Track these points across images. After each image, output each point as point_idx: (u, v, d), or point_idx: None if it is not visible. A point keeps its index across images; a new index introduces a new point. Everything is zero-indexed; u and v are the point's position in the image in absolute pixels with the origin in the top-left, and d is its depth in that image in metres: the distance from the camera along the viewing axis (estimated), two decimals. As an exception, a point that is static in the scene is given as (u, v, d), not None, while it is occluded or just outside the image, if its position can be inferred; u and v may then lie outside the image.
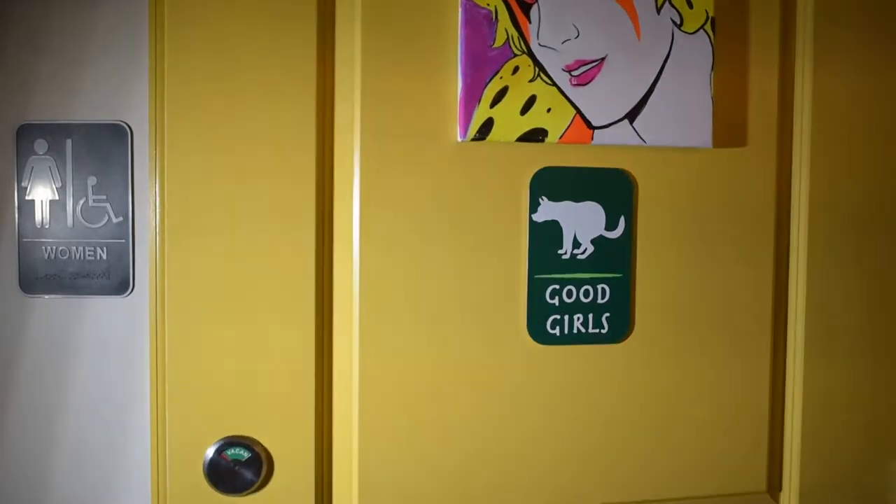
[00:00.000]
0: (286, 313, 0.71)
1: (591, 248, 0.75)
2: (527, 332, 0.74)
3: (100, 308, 0.88)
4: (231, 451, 0.71)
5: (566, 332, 0.75)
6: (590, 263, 0.75)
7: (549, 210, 0.74)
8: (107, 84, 0.87)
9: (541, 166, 0.74)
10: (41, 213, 0.88)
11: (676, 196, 0.77)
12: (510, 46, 0.71)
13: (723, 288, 0.78)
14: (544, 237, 0.74)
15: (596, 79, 0.72)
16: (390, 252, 0.71)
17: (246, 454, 0.71)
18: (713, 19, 0.75)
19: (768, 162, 0.79)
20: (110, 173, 0.88)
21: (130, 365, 0.87)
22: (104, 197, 0.88)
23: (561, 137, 0.72)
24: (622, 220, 0.76)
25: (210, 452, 0.71)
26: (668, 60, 0.74)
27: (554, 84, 0.72)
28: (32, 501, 0.88)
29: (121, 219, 0.88)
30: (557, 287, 0.74)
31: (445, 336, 0.73)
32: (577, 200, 0.75)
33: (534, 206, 0.74)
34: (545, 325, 0.74)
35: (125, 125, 0.87)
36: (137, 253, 0.87)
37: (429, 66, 0.71)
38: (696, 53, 0.74)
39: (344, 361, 0.72)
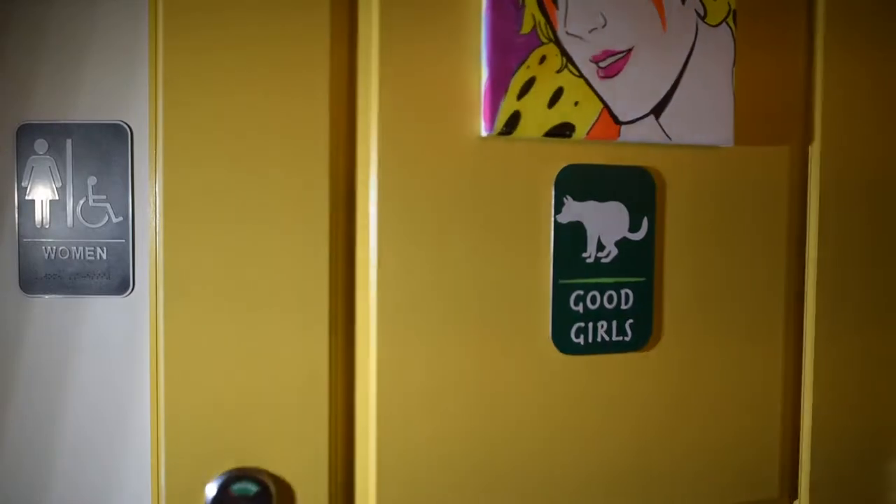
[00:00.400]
0: (297, 320, 0.66)
1: (614, 251, 0.71)
2: (551, 342, 0.70)
3: (100, 308, 0.88)
4: (237, 486, 0.64)
5: (590, 340, 0.71)
6: (613, 267, 0.71)
7: (573, 210, 0.70)
8: (107, 84, 0.87)
9: (564, 164, 0.70)
10: (41, 213, 0.88)
11: (697, 195, 0.75)
12: (537, 34, 0.66)
13: (739, 289, 0.77)
14: (568, 239, 0.70)
15: (623, 71, 0.69)
16: (410, 256, 0.66)
17: (254, 488, 0.63)
18: (735, 12, 0.72)
19: (785, 160, 0.78)
20: (110, 173, 0.88)
21: (130, 365, 0.87)
22: (104, 197, 0.88)
23: (588, 133, 0.68)
24: (645, 221, 0.72)
25: (213, 489, 0.64)
26: (693, 54, 0.71)
27: (581, 76, 0.67)
28: (32, 502, 0.88)
29: (121, 219, 0.88)
30: (581, 293, 0.70)
31: (467, 347, 0.68)
32: (601, 200, 0.71)
33: (558, 207, 0.69)
34: (570, 333, 0.70)
35: (125, 125, 0.87)
36: (137, 253, 0.87)
37: (450, 53, 0.66)
38: (718, 47, 0.72)
39: (360, 372, 0.68)
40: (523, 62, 0.66)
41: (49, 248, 0.88)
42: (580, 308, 0.70)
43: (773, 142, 0.77)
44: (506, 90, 0.66)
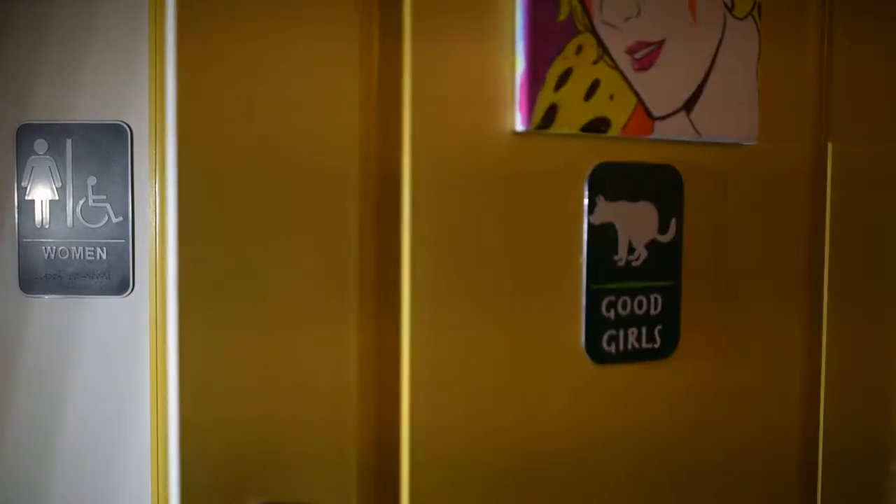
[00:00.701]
0: (323, 329, 0.61)
1: (644, 254, 0.68)
2: (584, 352, 0.67)
3: (100, 308, 0.88)
4: None
5: (621, 348, 0.68)
6: (643, 271, 0.68)
7: (606, 211, 0.67)
8: (107, 84, 0.87)
9: (595, 161, 0.66)
10: (41, 213, 0.88)
11: (718, 195, 0.74)
12: (574, 21, 0.63)
13: (758, 290, 0.75)
14: (601, 242, 0.67)
15: (656, 64, 0.66)
16: (443, 259, 0.63)
17: None
18: (760, 5, 0.70)
19: (803, 157, 0.76)
20: (110, 173, 0.88)
21: (130, 365, 0.87)
22: (104, 197, 0.88)
23: (623, 128, 0.65)
24: (673, 222, 0.69)
25: None
26: (721, 47, 0.69)
27: (616, 67, 0.65)
28: (32, 501, 0.88)
29: (121, 219, 0.88)
30: (613, 298, 0.67)
31: (499, 357, 0.64)
32: (632, 200, 0.68)
33: (591, 207, 0.66)
34: (602, 342, 0.67)
35: (125, 125, 0.87)
36: (137, 253, 0.87)
37: (484, 42, 0.63)
38: (744, 41, 0.70)
39: (392, 379, 0.63)
40: (560, 52, 0.63)
41: (49, 248, 0.88)
42: (612, 314, 0.68)
43: (790, 139, 0.76)
44: (543, 81, 0.62)
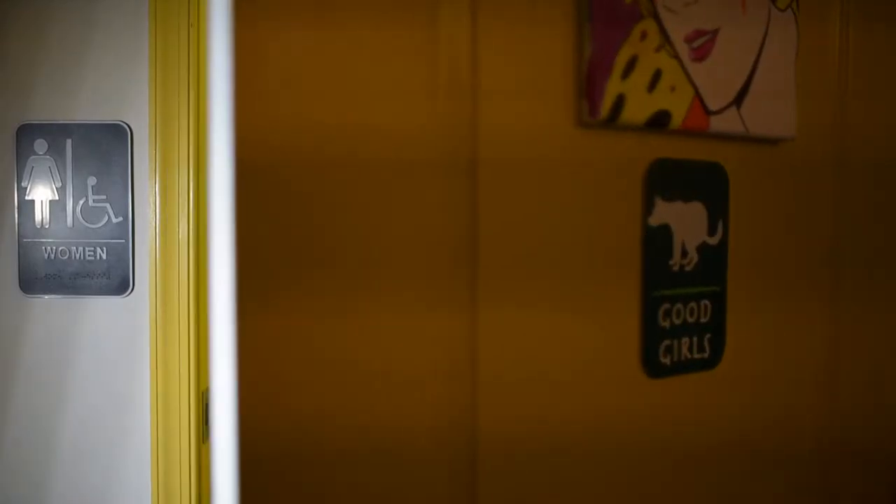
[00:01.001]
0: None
1: (696, 258, 0.65)
2: (640, 367, 0.63)
3: (100, 308, 0.88)
4: None
5: (675, 359, 0.64)
6: (694, 275, 0.65)
7: (663, 212, 0.63)
8: (107, 84, 0.87)
9: (651, 158, 0.63)
10: (41, 213, 0.88)
11: (758, 192, 0.71)
12: (638, 5, 0.60)
13: (787, 290, 0.74)
14: (657, 245, 0.63)
15: (711, 54, 0.64)
16: (513, 252, 0.60)
17: None
18: None
19: (829, 151, 0.75)
20: (110, 173, 0.88)
21: (130, 365, 0.87)
22: (104, 197, 0.88)
23: (683, 122, 0.62)
24: (720, 223, 0.67)
25: None
26: (766, 40, 0.66)
27: (676, 56, 0.62)
28: (33, 500, 0.88)
29: (121, 219, 0.88)
30: (669, 306, 0.64)
31: (555, 376, 0.62)
32: (686, 201, 0.64)
33: (649, 207, 0.62)
34: (658, 354, 0.64)
35: (125, 125, 0.87)
36: (137, 253, 0.87)
37: (549, 24, 0.59)
38: (786, 34, 0.68)
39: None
40: (627, 37, 0.60)
41: (49, 248, 0.88)
42: (667, 323, 0.64)
43: (816, 132, 0.75)
44: (611, 68, 0.59)
